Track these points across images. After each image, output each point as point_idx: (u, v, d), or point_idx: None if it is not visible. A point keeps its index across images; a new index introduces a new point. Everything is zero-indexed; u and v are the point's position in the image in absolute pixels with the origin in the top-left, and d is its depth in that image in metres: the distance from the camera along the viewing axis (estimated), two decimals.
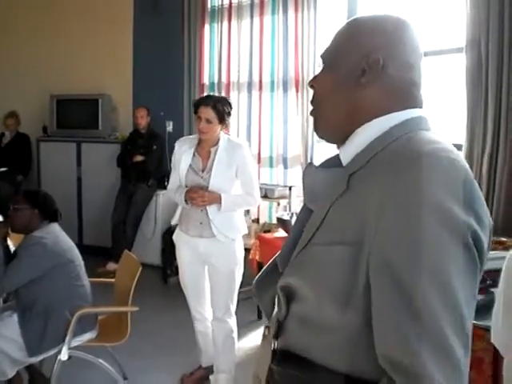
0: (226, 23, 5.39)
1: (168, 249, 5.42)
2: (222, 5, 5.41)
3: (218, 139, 3.07)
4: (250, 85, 5.26)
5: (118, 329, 3.06)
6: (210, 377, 3.27)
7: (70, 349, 2.84)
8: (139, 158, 5.65)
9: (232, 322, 3.17)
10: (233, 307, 3.16)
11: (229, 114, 3.04)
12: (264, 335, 1.14)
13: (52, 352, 2.85)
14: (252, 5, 5.19)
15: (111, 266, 5.29)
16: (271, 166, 5.21)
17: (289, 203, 4.81)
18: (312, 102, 1.14)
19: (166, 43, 5.92)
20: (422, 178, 0.89)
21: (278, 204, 4.89)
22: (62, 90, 6.30)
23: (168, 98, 5.92)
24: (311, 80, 1.15)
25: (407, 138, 0.99)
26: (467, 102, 3.71)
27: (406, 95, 1.06)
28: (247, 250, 3.84)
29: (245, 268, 3.25)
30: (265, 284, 1.18)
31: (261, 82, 5.19)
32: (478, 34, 3.60)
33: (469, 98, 3.70)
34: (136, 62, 6.25)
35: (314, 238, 1.02)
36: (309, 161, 4.82)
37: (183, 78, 5.68)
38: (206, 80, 5.60)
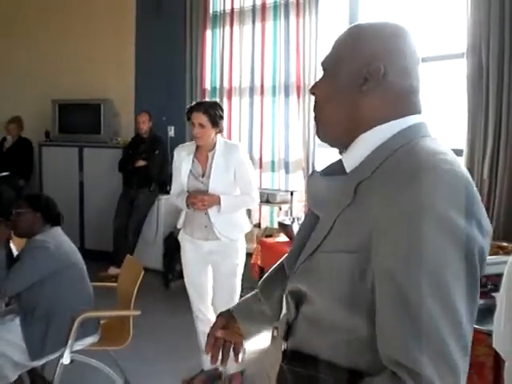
0: (227, 28, 5.41)
1: (170, 253, 5.44)
2: (224, 10, 5.44)
3: (215, 143, 3.15)
4: (251, 90, 5.27)
5: (120, 333, 3.07)
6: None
7: (72, 353, 2.84)
8: (141, 163, 5.67)
9: None
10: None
11: (221, 117, 3.14)
12: (273, 336, 1.16)
13: (54, 356, 2.85)
14: (254, 10, 5.21)
15: (113, 270, 5.30)
16: (273, 170, 5.22)
17: (290, 208, 4.81)
18: (314, 109, 1.16)
19: (168, 48, 5.94)
20: (425, 190, 0.91)
21: (280, 209, 4.90)
22: (63, 95, 6.32)
23: (170, 103, 5.94)
24: (312, 87, 1.16)
25: (410, 148, 1.01)
26: (468, 107, 3.72)
27: (405, 102, 1.08)
28: (249, 255, 3.85)
29: (246, 271, 3.27)
30: (271, 285, 1.22)
31: (262, 86, 5.20)
32: (478, 40, 3.62)
33: (469, 103, 3.71)
34: (138, 67, 6.28)
35: (322, 245, 1.04)
36: (310, 165, 4.83)
37: (185, 84, 5.70)
38: (207, 85, 5.62)
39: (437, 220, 0.90)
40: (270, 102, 5.18)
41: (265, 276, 1.25)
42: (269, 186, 5.17)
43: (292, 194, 4.82)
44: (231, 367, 3.20)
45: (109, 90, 6.29)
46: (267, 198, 4.78)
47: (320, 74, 1.16)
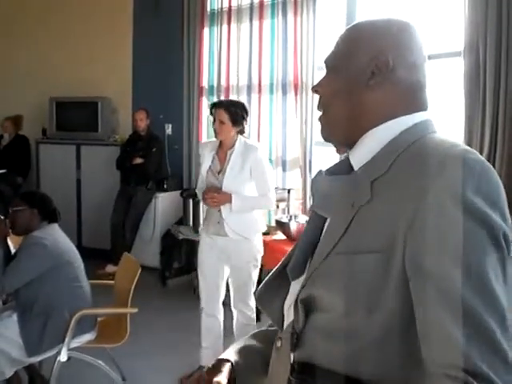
0: (225, 26, 5.41)
1: (167, 251, 5.44)
2: (222, 8, 5.43)
3: (235, 142, 3.23)
4: (249, 88, 5.27)
5: (117, 330, 3.07)
6: None
7: (69, 350, 2.84)
8: (138, 161, 5.66)
9: (251, 313, 3.33)
10: (252, 303, 3.30)
11: (243, 117, 3.23)
12: (276, 347, 1.10)
13: (51, 353, 2.85)
14: (251, 8, 5.21)
15: (110, 268, 5.29)
16: None
17: (287, 206, 4.82)
18: (318, 107, 1.13)
19: (165, 46, 5.93)
20: (457, 180, 0.88)
21: (277, 207, 4.90)
22: (61, 93, 6.31)
23: (167, 100, 5.94)
24: (315, 85, 1.14)
25: (425, 142, 0.98)
26: (465, 106, 3.73)
27: (412, 97, 1.06)
28: None
29: None
30: (270, 293, 1.15)
31: (260, 85, 5.20)
32: (476, 38, 3.62)
33: (467, 101, 3.72)
34: (136, 65, 6.27)
35: (337, 246, 0.99)
36: (308, 163, 4.83)
37: (183, 81, 5.70)
38: (205, 83, 5.62)
39: (471, 209, 0.87)
40: (267, 100, 5.18)
41: (262, 284, 1.18)
42: None
43: (289, 191, 4.82)
44: None
45: (106, 88, 6.28)
46: None
47: (318, 71, 1.15)
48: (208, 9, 5.54)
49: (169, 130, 6.07)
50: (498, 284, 0.87)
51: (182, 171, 5.85)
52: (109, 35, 6.32)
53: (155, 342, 3.92)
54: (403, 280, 0.92)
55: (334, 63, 1.11)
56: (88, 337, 2.98)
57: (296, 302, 1.04)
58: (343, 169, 1.08)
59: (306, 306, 1.02)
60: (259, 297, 1.18)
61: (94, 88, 6.24)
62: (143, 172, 5.66)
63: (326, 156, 4.68)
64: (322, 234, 1.07)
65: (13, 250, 3.02)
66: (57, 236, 2.95)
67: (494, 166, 3.56)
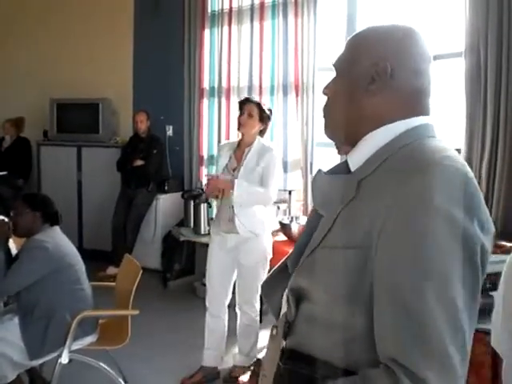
0: (226, 28, 5.41)
1: (168, 253, 5.44)
2: (222, 9, 5.43)
3: (254, 141, 3.33)
4: (249, 89, 5.27)
5: (119, 332, 3.06)
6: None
7: (70, 352, 2.84)
8: (139, 163, 5.66)
9: (255, 315, 3.38)
10: (257, 304, 3.37)
11: (268, 118, 3.38)
12: (271, 335, 1.15)
13: (53, 355, 2.85)
14: (252, 9, 5.21)
15: (111, 270, 5.29)
16: None
17: (289, 207, 4.82)
18: (323, 107, 1.18)
19: (166, 48, 5.93)
20: (429, 186, 0.91)
21: (278, 208, 4.90)
22: (62, 94, 6.31)
23: (168, 102, 5.94)
24: (325, 87, 1.19)
25: (414, 146, 1.02)
26: (466, 107, 3.73)
27: (413, 103, 1.09)
28: None
29: None
30: (273, 285, 1.21)
31: (261, 86, 5.20)
32: (476, 39, 3.62)
33: (468, 102, 3.72)
34: (136, 67, 6.27)
35: (323, 241, 1.05)
36: (309, 165, 4.83)
37: (183, 83, 5.70)
38: (206, 84, 5.62)
39: (437, 215, 0.90)
40: (268, 101, 5.16)
41: (267, 276, 1.25)
42: None
43: (290, 193, 4.82)
44: (243, 346, 3.43)
45: (107, 89, 6.27)
46: None
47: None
48: (209, 10, 5.54)
49: (170, 131, 6.06)
50: (461, 298, 0.89)
51: (183, 173, 5.84)
52: (109, 36, 6.32)
53: (156, 344, 3.92)
54: None
55: (339, 67, 1.16)
56: (90, 339, 2.97)
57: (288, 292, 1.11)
58: (342, 170, 1.13)
59: (296, 297, 1.08)
60: (264, 288, 1.26)
61: (94, 89, 6.23)
62: (144, 174, 5.65)
63: (327, 157, 4.68)
64: (316, 230, 1.12)
65: (14, 252, 3.02)
66: (58, 239, 2.95)
67: (495, 165, 3.56)
